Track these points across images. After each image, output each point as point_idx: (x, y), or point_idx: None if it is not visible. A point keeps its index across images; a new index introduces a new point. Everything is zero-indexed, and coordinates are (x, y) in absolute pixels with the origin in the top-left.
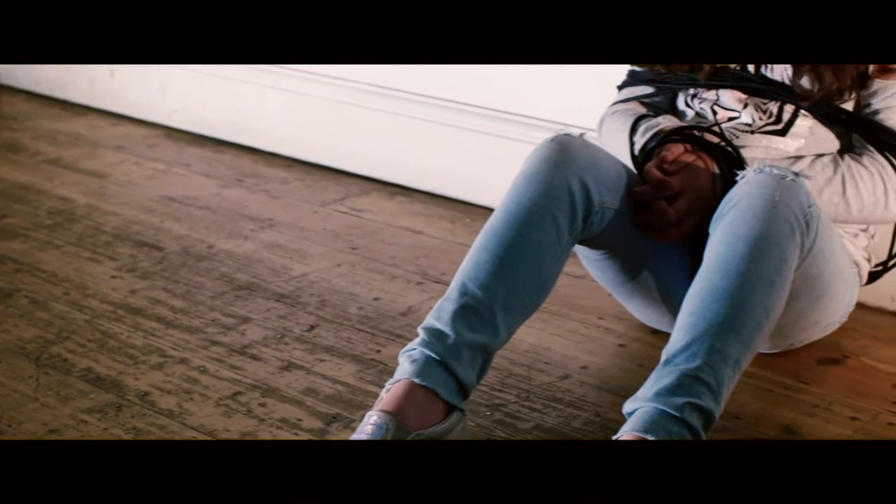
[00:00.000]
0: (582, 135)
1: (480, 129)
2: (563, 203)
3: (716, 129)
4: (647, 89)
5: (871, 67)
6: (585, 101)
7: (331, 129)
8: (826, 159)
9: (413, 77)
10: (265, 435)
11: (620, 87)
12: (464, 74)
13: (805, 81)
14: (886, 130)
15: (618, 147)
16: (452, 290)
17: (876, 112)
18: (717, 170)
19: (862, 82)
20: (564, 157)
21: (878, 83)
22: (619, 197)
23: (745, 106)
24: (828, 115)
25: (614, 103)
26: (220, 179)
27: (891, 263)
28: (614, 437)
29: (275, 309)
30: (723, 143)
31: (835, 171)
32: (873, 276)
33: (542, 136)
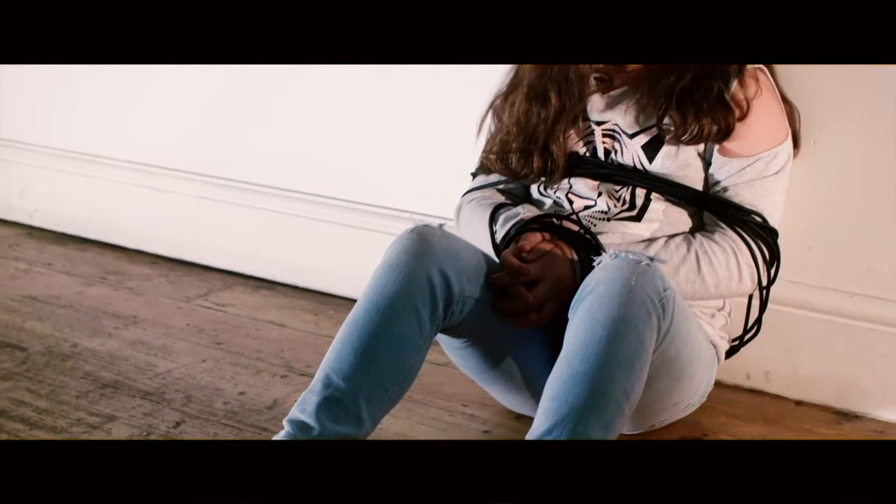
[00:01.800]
0: (441, 225)
1: (340, 222)
2: (424, 293)
3: (574, 217)
4: (501, 176)
5: (717, 148)
6: (443, 192)
7: (194, 225)
8: (678, 239)
9: (273, 172)
10: None
11: (474, 175)
12: (322, 168)
13: (671, 119)
14: (736, 206)
15: (477, 236)
16: (316, 383)
17: (725, 189)
18: (575, 256)
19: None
20: (424, 248)
21: (724, 160)
22: (479, 286)
23: (600, 194)
24: (678, 195)
25: (469, 191)
26: (83, 277)
27: (746, 338)
28: None
29: (140, 406)
30: (581, 231)
31: (688, 250)
32: (731, 351)
33: (401, 227)
